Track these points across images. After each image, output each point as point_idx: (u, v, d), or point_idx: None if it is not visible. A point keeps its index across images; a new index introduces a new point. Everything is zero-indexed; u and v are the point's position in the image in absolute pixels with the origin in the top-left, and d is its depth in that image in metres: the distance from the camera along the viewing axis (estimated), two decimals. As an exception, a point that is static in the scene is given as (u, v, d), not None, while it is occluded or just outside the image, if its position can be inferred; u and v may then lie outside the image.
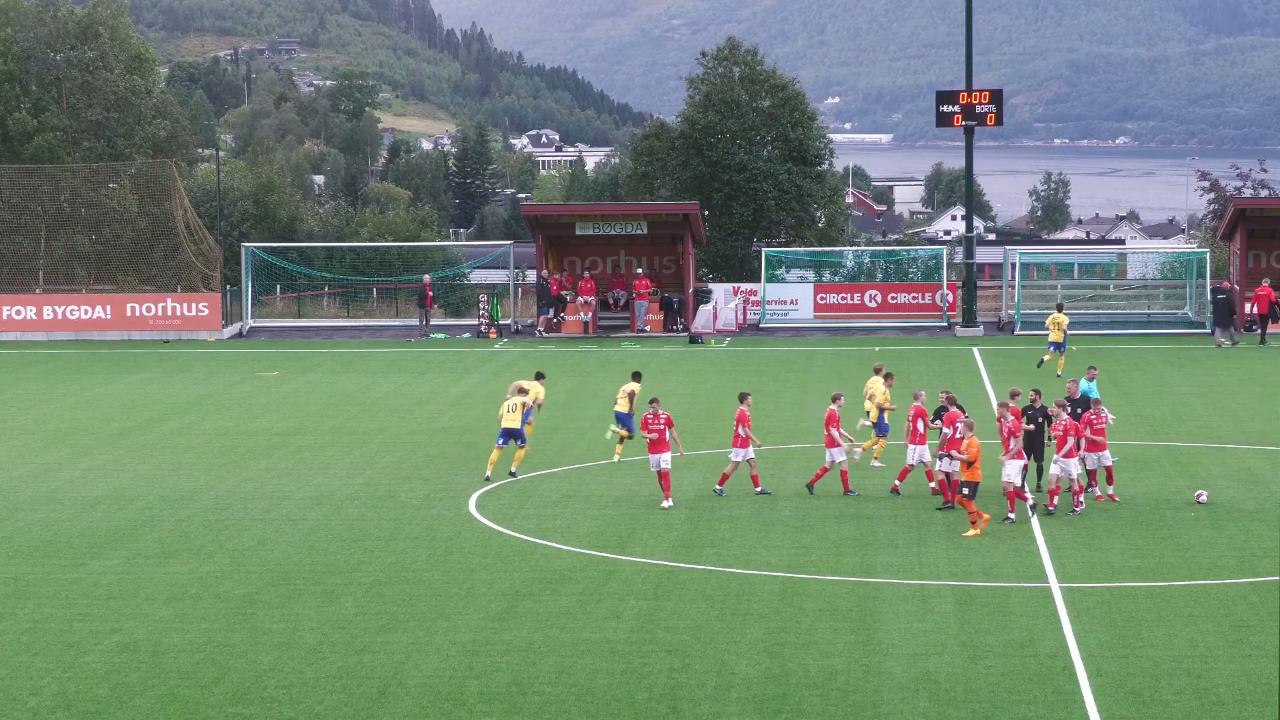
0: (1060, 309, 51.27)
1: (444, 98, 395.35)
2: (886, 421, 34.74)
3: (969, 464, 28.74)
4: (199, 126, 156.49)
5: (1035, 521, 29.39)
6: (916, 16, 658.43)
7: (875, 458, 34.69)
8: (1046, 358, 49.24)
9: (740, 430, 31.89)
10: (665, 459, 31.37)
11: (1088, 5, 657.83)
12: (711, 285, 67.44)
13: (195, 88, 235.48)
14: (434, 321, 67.20)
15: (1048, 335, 49.97)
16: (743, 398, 32.53)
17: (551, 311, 63.14)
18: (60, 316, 64.45)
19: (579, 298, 63.09)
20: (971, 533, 28.55)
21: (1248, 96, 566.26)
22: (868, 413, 34.74)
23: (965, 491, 28.86)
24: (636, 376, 37.52)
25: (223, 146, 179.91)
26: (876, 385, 34.67)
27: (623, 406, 36.53)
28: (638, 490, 32.83)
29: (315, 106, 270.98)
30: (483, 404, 45.60)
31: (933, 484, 31.54)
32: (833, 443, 31.76)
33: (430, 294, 64.92)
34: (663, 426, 31.47)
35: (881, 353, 56.07)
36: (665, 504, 31.14)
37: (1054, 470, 30.27)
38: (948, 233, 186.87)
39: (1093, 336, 60.00)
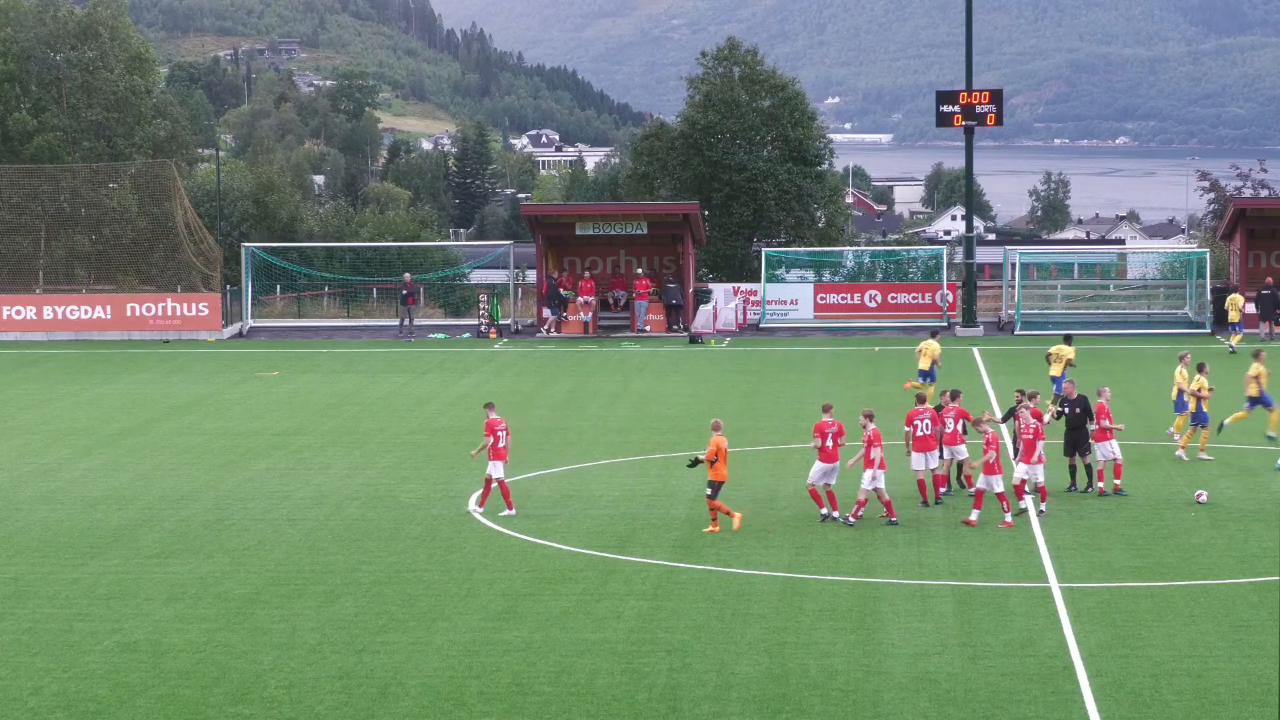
0: (1237, 290, 56.56)
1: (444, 98, 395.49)
2: (1205, 410, 34.89)
3: (711, 462, 28.80)
4: (199, 126, 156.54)
5: (1035, 522, 29.41)
6: (916, 16, 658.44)
7: (1201, 449, 35.29)
8: (1234, 340, 52.87)
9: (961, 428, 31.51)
10: (498, 467, 30.56)
11: (1088, 5, 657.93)
12: (711, 285, 67.43)
13: (195, 88, 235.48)
14: (434, 321, 67.16)
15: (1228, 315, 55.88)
16: (955, 395, 32.13)
17: (560, 312, 63.01)
18: (60, 316, 64.43)
19: (579, 298, 63.06)
20: (710, 529, 28.93)
21: (1248, 96, 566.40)
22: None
23: (709, 491, 29.02)
24: (1068, 340, 41.71)
25: (223, 146, 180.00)
26: (1182, 374, 35.46)
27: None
28: (637, 490, 32.84)
29: (315, 106, 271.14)
30: (482, 404, 45.50)
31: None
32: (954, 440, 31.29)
33: (409, 291, 64.71)
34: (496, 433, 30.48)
35: (882, 353, 56.09)
36: (507, 511, 30.51)
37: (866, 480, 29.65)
38: (948, 233, 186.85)
39: (1093, 336, 60.02)
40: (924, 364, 43.37)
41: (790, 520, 29.89)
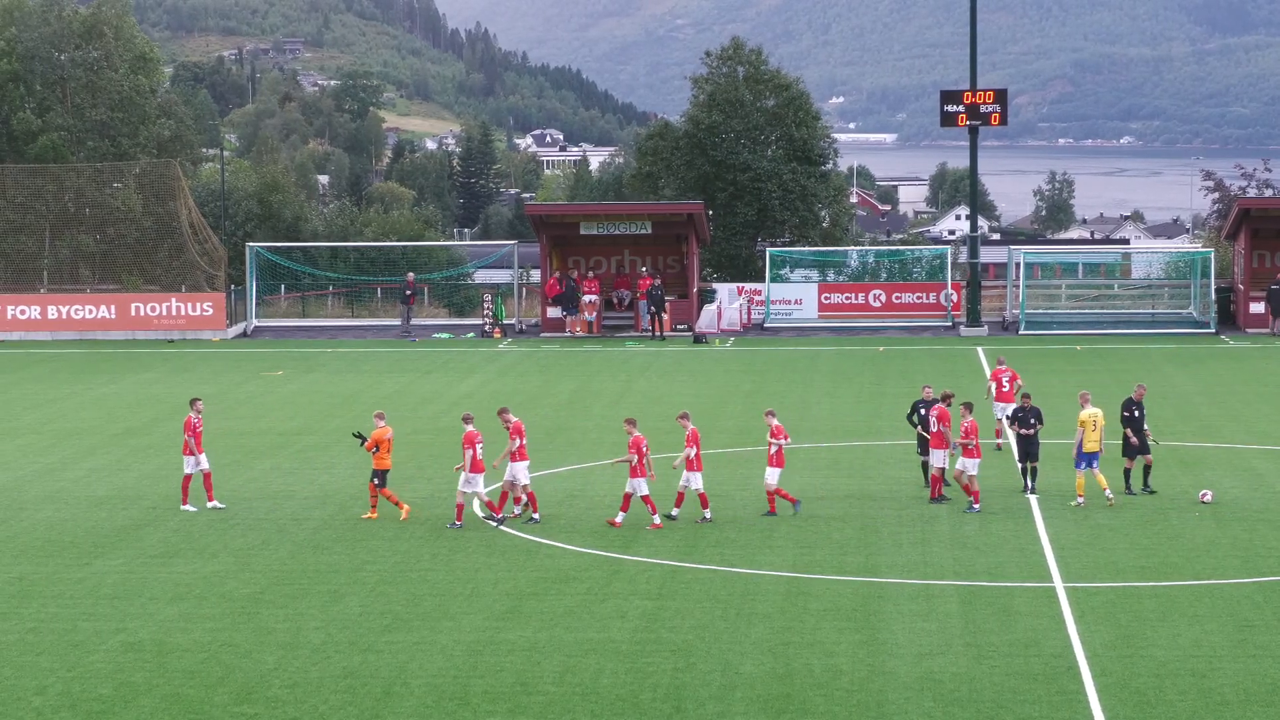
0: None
1: (448, 97, 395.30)
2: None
3: (375, 450, 30.24)
4: (203, 126, 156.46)
5: (1040, 521, 29.41)
6: (921, 16, 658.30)
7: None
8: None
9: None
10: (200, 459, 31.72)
11: (1092, 5, 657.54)
12: (716, 285, 67.39)
13: (200, 87, 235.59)
14: (438, 321, 67.06)
15: None
16: (946, 397, 31.93)
17: (573, 310, 62.78)
18: (65, 316, 64.45)
19: (583, 297, 62.99)
20: (368, 516, 30.44)
21: (1252, 96, 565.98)
22: None
23: (375, 480, 30.37)
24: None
25: (227, 146, 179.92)
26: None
27: None
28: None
29: (319, 106, 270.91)
30: (487, 403, 45.51)
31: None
32: (940, 443, 31.16)
33: (411, 291, 64.58)
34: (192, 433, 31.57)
35: (886, 353, 56.07)
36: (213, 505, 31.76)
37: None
38: (952, 232, 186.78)
39: (1097, 336, 60.02)
40: None
41: (794, 520, 29.89)
